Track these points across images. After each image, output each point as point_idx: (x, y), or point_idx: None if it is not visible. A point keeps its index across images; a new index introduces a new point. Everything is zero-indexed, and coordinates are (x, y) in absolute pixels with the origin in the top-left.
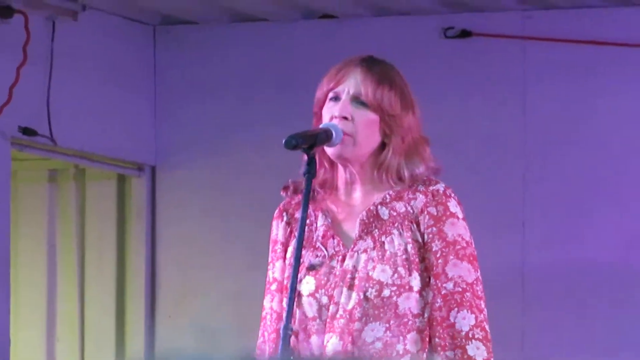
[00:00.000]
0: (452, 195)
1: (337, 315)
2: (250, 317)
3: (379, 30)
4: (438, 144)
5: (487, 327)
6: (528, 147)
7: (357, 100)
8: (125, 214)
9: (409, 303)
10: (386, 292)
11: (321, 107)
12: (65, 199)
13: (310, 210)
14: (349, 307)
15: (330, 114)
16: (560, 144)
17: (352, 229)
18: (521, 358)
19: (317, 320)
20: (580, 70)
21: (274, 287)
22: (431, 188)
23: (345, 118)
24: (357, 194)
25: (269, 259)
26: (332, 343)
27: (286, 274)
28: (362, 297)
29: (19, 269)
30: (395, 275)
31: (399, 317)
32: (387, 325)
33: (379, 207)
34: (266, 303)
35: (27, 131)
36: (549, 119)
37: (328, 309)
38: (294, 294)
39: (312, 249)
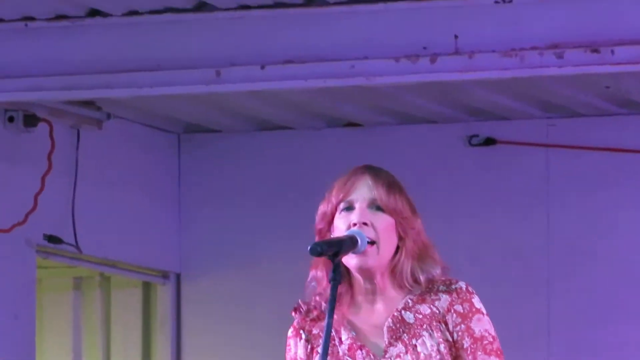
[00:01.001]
0: (474, 292)
1: None
2: None
3: (404, 138)
4: (462, 253)
5: None
6: (552, 257)
7: (373, 205)
8: (151, 322)
9: None
10: None
11: (329, 222)
12: (90, 306)
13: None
14: None
15: (346, 223)
16: (585, 254)
17: (379, 338)
18: None
19: None
20: (605, 178)
21: None
22: (453, 287)
23: (365, 224)
24: (379, 303)
25: None
26: None
27: None
28: None
29: None
30: None
31: None
32: None
33: (403, 312)
34: None
35: (52, 239)
36: (573, 229)
37: None
38: None
39: None
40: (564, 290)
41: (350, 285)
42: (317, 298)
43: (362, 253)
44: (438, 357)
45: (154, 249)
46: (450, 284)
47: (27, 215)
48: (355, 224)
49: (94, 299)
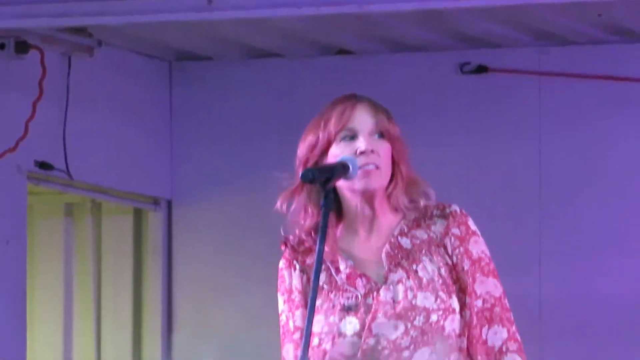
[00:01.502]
0: (467, 214)
1: (379, 347)
2: (266, 351)
3: (396, 66)
4: (453, 182)
5: (519, 338)
6: (544, 185)
7: (374, 132)
8: (142, 248)
9: (454, 324)
10: (434, 317)
11: (323, 152)
12: (81, 233)
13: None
14: (393, 337)
15: (351, 152)
16: (576, 183)
17: (378, 265)
18: None
19: (355, 355)
20: (596, 106)
21: (297, 335)
22: (448, 211)
23: (372, 151)
24: (375, 231)
25: (285, 308)
26: None
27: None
28: (409, 326)
29: (35, 304)
30: (439, 300)
31: (444, 339)
32: (433, 348)
33: (399, 237)
34: (289, 352)
35: (43, 165)
36: (565, 157)
37: (368, 344)
38: (310, 326)
39: (340, 292)
40: (555, 219)
41: (341, 214)
42: (302, 234)
43: (363, 175)
44: (440, 281)
45: (145, 176)
46: (444, 208)
47: (17, 142)
48: (363, 152)
49: (85, 225)
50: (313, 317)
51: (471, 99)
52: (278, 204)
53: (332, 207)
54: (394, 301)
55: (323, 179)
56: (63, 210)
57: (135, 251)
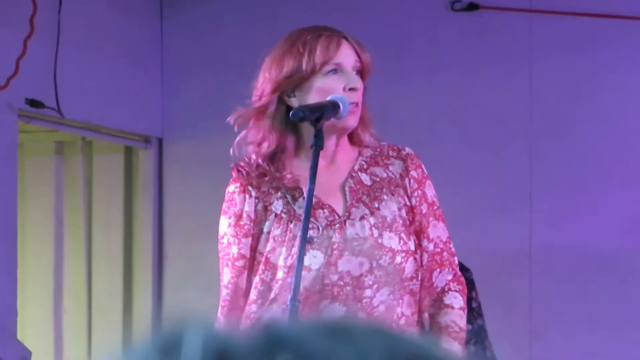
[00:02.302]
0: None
1: (341, 283)
2: None
3: (386, 3)
4: (444, 117)
5: (463, 280)
6: (534, 122)
7: (356, 69)
8: (132, 186)
9: (412, 267)
10: (398, 259)
11: (302, 79)
12: (72, 171)
13: (274, 185)
14: (357, 274)
15: (340, 86)
16: (567, 119)
17: (339, 197)
18: (528, 334)
19: (317, 289)
20: (588, 43)
21: (240, 263)
22: (404, 153)
23: (359, 89)
24: (336, 163)
25: (230, 232)
26: (333, 309)
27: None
28: (374, 264)
29: (26, 242)
30: (402, 241)
31: (402, 281)
32: (392, 289)
33: (359, 173)
34: (228, 278)
35: (34, 103)
36: (556, 93)
37: (329, 278)
38: (301, 266)
39: (299, 221)
40: (545, 154)
41: (300, 141)
42: (259, 159)
43: (349, 114)
44: (401, 221)
45: (136, 114)
46: (400, 150)
47: (8, 80)
48: (352, 88)
49: (76, 163)
50: (304, 259)
51: (462, 36)
52: (231, 119)
53: (322, 145)
54: (360, 237)
55: (313, 117)
56: (54, 148)
57: (125, 189)
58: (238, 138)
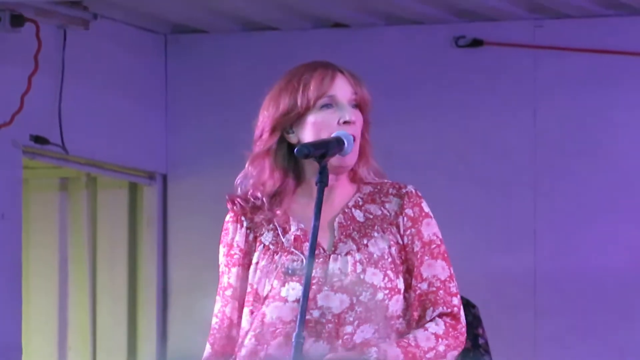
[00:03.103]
0: (421, 195)
1: (323, 320)
2: None
3: (391, 39)
4: (449, 154)
5: (459, 318)
6: (539, 158)
7: (353, 102)
8: (137, 222)
9: (398, 305)
10: (380, 296)
11: (299, 116)
12: (76, 207)
13: (267, 217)
14: (338, 311)
15: (334, 120)
16: (571, 155)
17: (329, 233)
18: None
19: (294, 323)
20: (592, 80)
21: (228, 292)
22: (404, 191)
23: (354, 122)
24: (331, 199)
25: (224, 262)
26: (317, 347)
27: (255, 280)
28: (354, 300)
29: (31, 278)
30: (386, 278)
31: (387, 319)
32: (377, 327)
33: (353, 209)
34: (218, 307)
35: (38, 139)
36: (560, 130)
37: (311, 316)
38: (306, 303)
39: (285, 253)
40: (550, 191)
41: (300, 177)
42: (258, 193)
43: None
44: (389, 259)
45: (140, 150)
46: (400, 187)
47: (13, 116)
48: (346, 122)
49: (81, 199)
50: (309, 292)
51: (466, 72)
52: (248, 168)
53: (327, 182)
54: (342, 272)
55: (318, 154)
56: (58, 184)
57: (130, 225)
58: (239, 179)
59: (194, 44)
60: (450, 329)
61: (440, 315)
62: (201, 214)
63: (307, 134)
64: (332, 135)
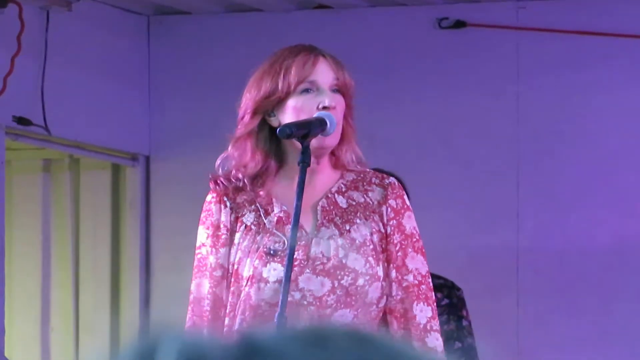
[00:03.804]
0: (403, 189)
1: (304, 302)
2: None
3: (374, 21)
4: (432, 136)
5: (437, 317)
6: (522, 139)
7: (334, 87)
8: (120, 203)
9: (376, 292)
10: (360, 281)
11: (280, 100)
12: (59, 188)
13: (249, 198)
14: (320, 294)
15: (314, 105)
16: (554, 136)
17: (310, 216)
18: (516, 352)
19: (278, 305)
20: (575, 61)
21: (218, 273)
22: (387, 181)
23: (334, 107)
24: (314, 183)
25: (208, 243)
26: None
27: (236, 259)
28: (336, 284)
29: (13, 259)
30: (367, 264)
31: (366, 305)
32: (356, 312)
33: (336, 195)
34: (207, 288)
35: (21, 121)
36: (543, 111)
37: (293, 297)
38: (288, 284)
39: (267, 234)
40: (532, 173)
41: (282, 159)
42: (239, 175)
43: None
44: (371, 246)
45: (123, 131)
46: (383, 178)
47: None
48: (325, 107)
49: (63, 181)
50: (290, 274)
51: (449, 53)
52: (230, 149)
53: (309, 162)
54: (324, 256)
55: (301, 134)
56: (41, 166)
57: (113, 206)
58: (220, 159)
59: (176, 25)
60: (439, 334)
61: (428, 321)
62: (184, 195)
63: (288, 117)
64: (314, 115)
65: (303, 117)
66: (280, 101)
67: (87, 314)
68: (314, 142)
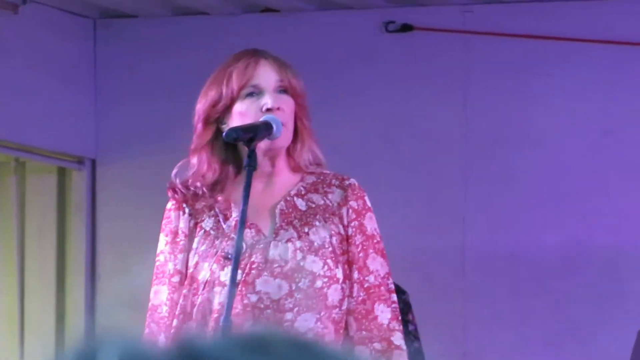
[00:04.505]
0: (364, 190)
1: (261, 305)
2: None
3: (321, 25)
4: (379, 139)
5: (399, 317)
6: (469, 143)
7: (279, 88)
8: (66, 207)
9: (336, 295)
10: (318, 283)
11: (227, 107)
12: (5, 192)
13: (209, 204)
14: (277, 297)
15: (257, 108)
16: (501, 141)
17: (268, 219)
18: (462, 356)
19: (237, 309)
20: (522, 65)
21: (176, 279)
22: (347, 183)
23: (278, 108)
24: (273, 186)
25: (166, 250)
26: None
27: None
28: (293, 287)
29: None
30: (326, 267)
31: (328, 308)
32: (318, 316)
33: (295, 198)
34: (166, 295)
35: None
36: (490, 115)
37: (249, 300)
38: (234, 288)
39: (225, 239)
40: (480, 176)
41: (240, 165)
42: (198, 183)
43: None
44: (330, 248)
45: (69, 135)
46: (343, 179)
47: None
48: (269, 109)
49: (9, 184)
50: (236, 276)
51: (396, 57)
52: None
53: (255, 166)
54: (282, 259)
55: (247, 138)
56: None
57: (59, 210)
58: (177, 168)
59: (123, 28)
60: (402, 333)
61: (390, 321)
62: (130, 199)
63: (235, 123)
64: (261, 119)
65: (248, 121)
66: (227, 108)
67: (32, 317)
68: (264, 145)
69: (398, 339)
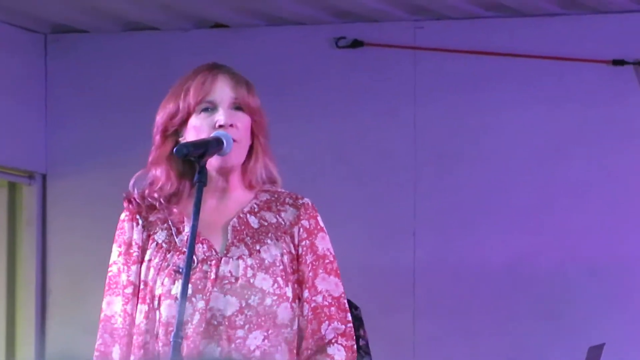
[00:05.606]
0: (317, 209)
1: (215, 322)
2: None
3: (272, 40)
4: (329, 154)
5: (353, 337)
6: (418, 158)
7: (234, 105)
8: (16, 222)
9: (286, 314)
10: (268, 301)
11: (183, 121)
12: None
13: (163, 216)
14: (228, 313)
15: (210, 124)
16: (451, 156)
17: (222, 236)
18: None
19: (189, 325)
20: (472, 81)
21: (129, 290)
22: (300, 202)
23: (231, 125)
24: (226, 202)
25: (120, 261)
26: (210, 349)
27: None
28: (243, 304)
29: None
30: (275, 285)
31: (277, 327)
32: (266, 334)
33: (248, 215)
34: (114, 305)
35: None
36: (440, 130)
37: (203, 314)
38: (185, 302)
39: (177, 253)
40: (429, 191)
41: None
42: (155, 194)
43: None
44: (281, 267)
45: (19, 150)
46: (297, 198)
47: None
48: (221, 126)
49: None
50: (187, 290)
51: (347, 73)
52: (147, 172)
53: (206, 182)
54: (232, 275)
55: (197, 154)
56: None
57: (9, 225)
58: (134, 178)
59: (74, 43)
60: (350, 352)
61: (336, 337)
62: (81, 214)
63: (190, 137)
64: (212, 135)
65: (203, 136)
66: (184, 122)
67: None
68: (215, 162)
69: (334, 349)
